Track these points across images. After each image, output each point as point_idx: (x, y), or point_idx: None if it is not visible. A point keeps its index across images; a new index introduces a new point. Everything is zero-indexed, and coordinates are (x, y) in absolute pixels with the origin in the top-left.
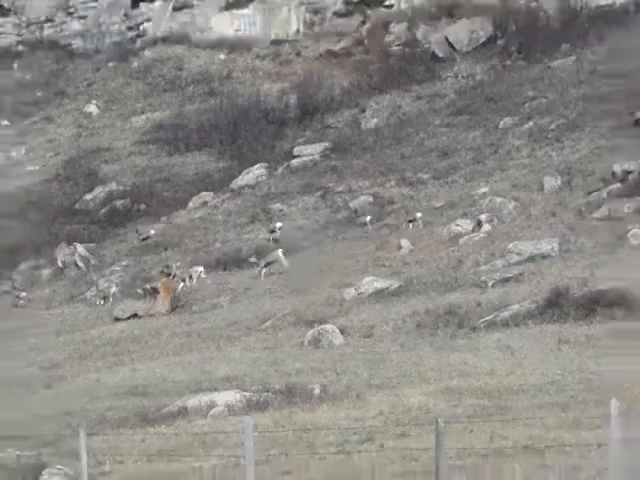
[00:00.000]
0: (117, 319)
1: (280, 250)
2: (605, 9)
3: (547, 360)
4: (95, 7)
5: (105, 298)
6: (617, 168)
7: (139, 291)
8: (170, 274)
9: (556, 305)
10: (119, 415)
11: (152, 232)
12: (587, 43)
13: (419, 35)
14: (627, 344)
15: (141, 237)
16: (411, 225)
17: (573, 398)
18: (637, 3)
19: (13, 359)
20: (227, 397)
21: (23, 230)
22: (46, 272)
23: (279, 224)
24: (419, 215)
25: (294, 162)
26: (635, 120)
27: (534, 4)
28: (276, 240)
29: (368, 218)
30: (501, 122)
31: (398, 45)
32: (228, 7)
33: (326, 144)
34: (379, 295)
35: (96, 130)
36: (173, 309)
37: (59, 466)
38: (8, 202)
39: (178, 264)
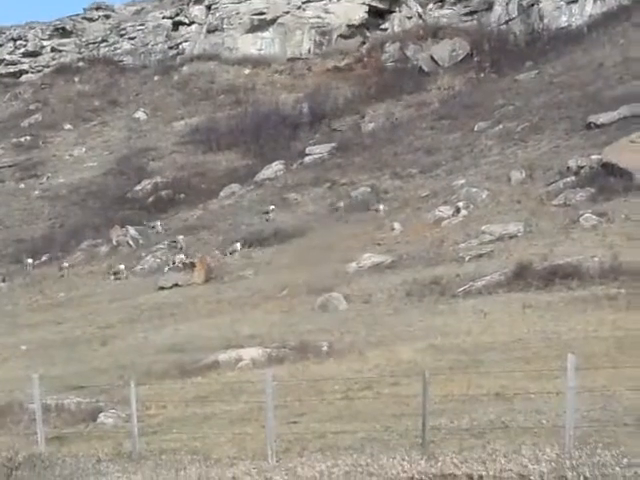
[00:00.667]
0: (161, 288)
1: (239, 243)
2: (563, 30)
3: (514, 322)
4: (142, 30)
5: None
6: (572, 163)
7: (179, 265)
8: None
9: (521, 276)
10: (162, 368)
11: (158, 223)
12: (547, 59)
13: (409, 53)
14: (579, 308)
15: (151, 225)
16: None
17: (536, 354)
18: (589, 25)
19: (76, 321)
20: (251, 352)
21: (84, 214)
22: (103, 249)
23: (272, 207)
24: (381, 207)
25: (306, 159)
26: (587, 123)
27: (504, 27)
28: (269, 220)
29: (342, 204)
30: (476, 125)
31: (392, 62)
32: (252, 30)
33: (332, 144)
34: (376, 268)
35: (144, 133)
36: (207, 280)
37: (113, 410)
38: (72, 192)
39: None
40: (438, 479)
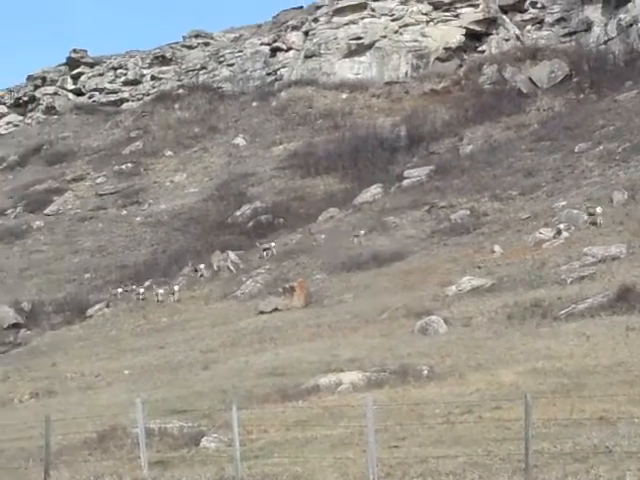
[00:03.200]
0: (261, 312)
1: None
2: None
3: (617, 345)
4: (241, 56)
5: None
6: None
7: (279, 289)
8: None
9: (624, 299)
10: (263, 392)
11: (273, 244)
12: None
13: (507, 75)
14: None
15: (263, 248)
16: None
17: (639, 377)
18: None
19: (178, 345)
20: (351, 376)
21: (186, 240)
22: (204, 274)
23: (362, 231)
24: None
25: (404, 182)
26: None
27: (603, 47)
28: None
29: (441, 227)
30: (576, 147)
31: (489, 84)
32: (349, 55)
33: (431, 167)
34: (476, 291)
35: (243, 158)
36: (307, 304)
37: (215, 434)
38: (174, 218)
39: None
40: None
